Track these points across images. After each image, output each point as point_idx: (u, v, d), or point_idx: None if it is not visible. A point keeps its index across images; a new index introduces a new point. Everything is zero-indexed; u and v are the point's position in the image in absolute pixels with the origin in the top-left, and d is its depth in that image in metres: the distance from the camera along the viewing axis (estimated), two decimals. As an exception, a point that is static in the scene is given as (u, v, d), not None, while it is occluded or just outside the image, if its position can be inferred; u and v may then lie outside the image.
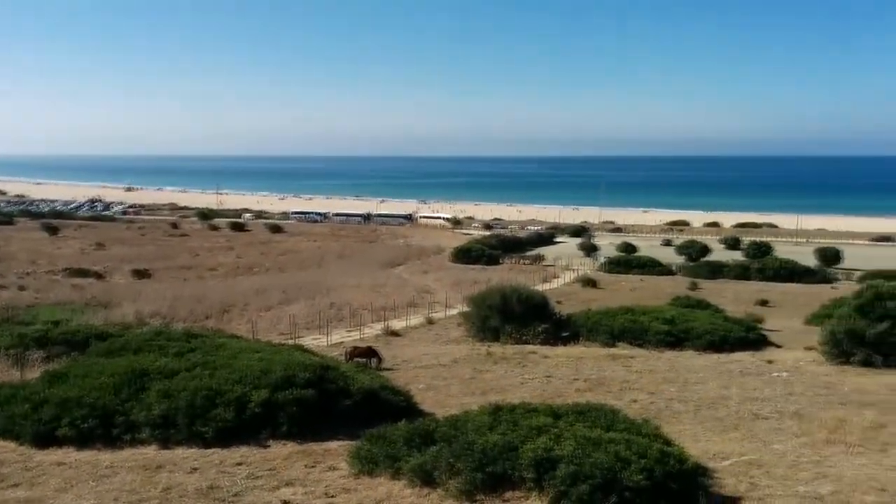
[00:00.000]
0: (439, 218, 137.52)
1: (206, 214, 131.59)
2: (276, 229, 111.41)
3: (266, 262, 74.48)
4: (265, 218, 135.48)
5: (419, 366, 22.82)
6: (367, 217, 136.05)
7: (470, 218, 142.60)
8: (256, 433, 12.80)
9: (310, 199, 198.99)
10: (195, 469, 11.27)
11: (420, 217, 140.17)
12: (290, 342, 26.40)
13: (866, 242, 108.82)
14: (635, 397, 17.05)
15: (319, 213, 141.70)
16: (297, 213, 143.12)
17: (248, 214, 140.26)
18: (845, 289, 49.22)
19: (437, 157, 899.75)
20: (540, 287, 52.37)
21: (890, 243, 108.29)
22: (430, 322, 37.32)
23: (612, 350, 26.24)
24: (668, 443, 10.09)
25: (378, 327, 34.68)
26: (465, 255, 78.04)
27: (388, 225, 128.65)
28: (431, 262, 77.59)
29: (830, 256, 79.89)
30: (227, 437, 12.58)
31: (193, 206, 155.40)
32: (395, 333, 33.27)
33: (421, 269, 69.91)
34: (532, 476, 9.20)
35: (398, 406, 14.70)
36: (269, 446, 12.41)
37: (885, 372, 19.56)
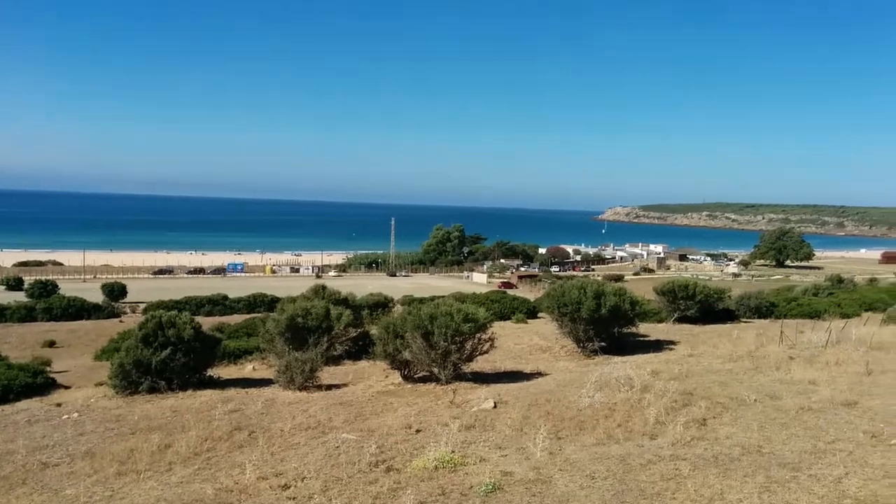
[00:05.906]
0: None
1: None
2: None
3: None
4: None
5: None
6: None
7: None
8: None
9: None
10: None
11: None
12: None
13: (149, 276, 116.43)
14: None
15: None
16: None
17: None
18: (132, 321, 51.42)
19: None
20: None
21: (169, 276, 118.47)
22: None
23: None
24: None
25: None
26: None
27: None
28: None
29: (117, 291, 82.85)
30: None
31: None
32: None
33: None
34: None
35: None
36: None
37: (170, 395, 21.21)
